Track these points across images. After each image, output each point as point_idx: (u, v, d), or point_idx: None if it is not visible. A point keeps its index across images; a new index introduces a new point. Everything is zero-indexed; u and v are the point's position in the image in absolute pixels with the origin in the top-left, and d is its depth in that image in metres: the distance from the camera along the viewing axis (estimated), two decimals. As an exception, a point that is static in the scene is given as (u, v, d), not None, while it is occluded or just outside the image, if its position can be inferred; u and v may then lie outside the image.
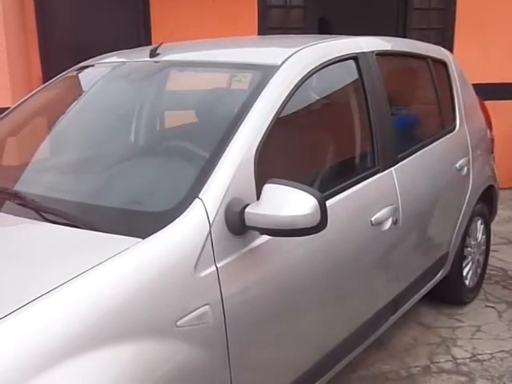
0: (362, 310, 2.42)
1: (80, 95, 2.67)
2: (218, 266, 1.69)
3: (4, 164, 2.49)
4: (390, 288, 2.56)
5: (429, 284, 2.96)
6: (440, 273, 3.04)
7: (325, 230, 1.72)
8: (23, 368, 1.30)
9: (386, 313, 2.57)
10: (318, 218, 1.68)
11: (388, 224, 2.36)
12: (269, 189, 1.70)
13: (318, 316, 2.13)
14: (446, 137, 3.03)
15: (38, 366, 1.32)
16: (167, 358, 1.55)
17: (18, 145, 2.64)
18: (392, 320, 2.66)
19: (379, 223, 2.32)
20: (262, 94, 1.97)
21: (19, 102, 2.72)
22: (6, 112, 2.68)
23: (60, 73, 2.76)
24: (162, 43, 2.46)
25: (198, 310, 1.62)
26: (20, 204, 1.87)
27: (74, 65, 2.78)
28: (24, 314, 1.36)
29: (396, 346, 2.95)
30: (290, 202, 1.67)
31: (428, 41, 3.38)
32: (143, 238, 1.60)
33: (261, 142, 1.87)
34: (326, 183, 2.16)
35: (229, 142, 1.83)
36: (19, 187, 2.01)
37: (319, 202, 1.68)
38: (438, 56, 3.17)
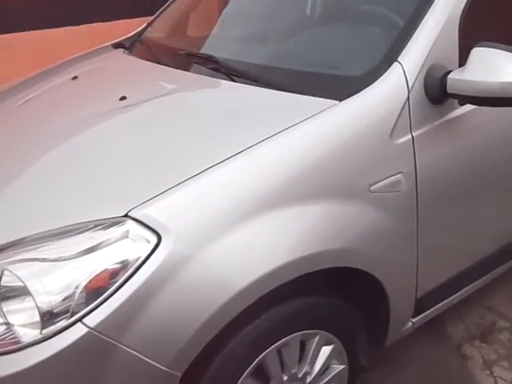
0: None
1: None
2: (414, 134, 1.61)
3: (191, 35, 2.56)
4: None
5: None
6: None
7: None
8: (230, 213, 1.37)
9: None
10: (535, 85, 1.50)
11: None
12: (477, 53, 1.55)
13: (503, 203, 2.00)
14: None
15: (242, 213, 1.38)
16: (357, 220, 1.55)
17: (200, 17, 2.69)
18: None
19: None
20: None
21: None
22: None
23: None
24: None
25: (392, 178, 1.58)
26: (213, 68, 1.90)
27: None
28: (229, 166, 1.42)
29: None
30: (502, 67, 1.51)
31: None
32: (340, 100, 1.57)
33: (467, 2, 1.68)
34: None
35: (431, 3, 1.67)
36: (211, 52, 2.04)
37: (539, 68, 1.49)
38: None
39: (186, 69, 1.99)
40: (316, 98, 1.60)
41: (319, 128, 1.52)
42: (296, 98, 1.63)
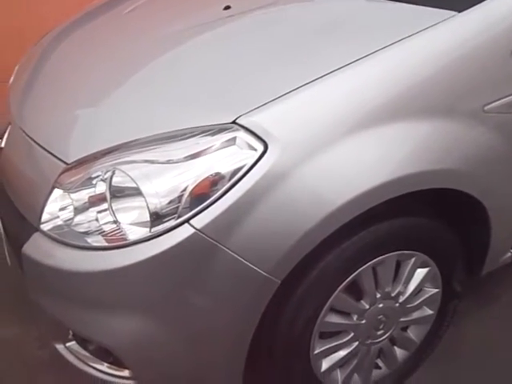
0: None
1: None
2: (537, 54, 1.49)
3: None
4: None
5: None
6: None
7: None
8: (337, 126, 1.34)
9: None
10: None
11: None
12: None
13: None
14: None
15: (348, 127, 1.35)
16: (466, 141, 1.48)
17: None
18: None
19: None
20: None
21: None
22: None
23: None
24: None
25: (509, 98, 1.48)
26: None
27: None
28: (339, 77, 1.37)
29: None
30: None
31: None
32: (459, 11, 1.46)
33: None
34: None
35: None
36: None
37: None
38: None
39: (291, -22, 1.92)
40: (432, 9, 1.50)
41: (434, 41, 1.43)
42: (409, 9, 1.54)
